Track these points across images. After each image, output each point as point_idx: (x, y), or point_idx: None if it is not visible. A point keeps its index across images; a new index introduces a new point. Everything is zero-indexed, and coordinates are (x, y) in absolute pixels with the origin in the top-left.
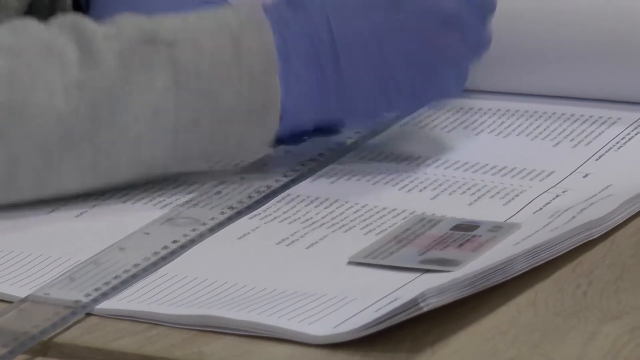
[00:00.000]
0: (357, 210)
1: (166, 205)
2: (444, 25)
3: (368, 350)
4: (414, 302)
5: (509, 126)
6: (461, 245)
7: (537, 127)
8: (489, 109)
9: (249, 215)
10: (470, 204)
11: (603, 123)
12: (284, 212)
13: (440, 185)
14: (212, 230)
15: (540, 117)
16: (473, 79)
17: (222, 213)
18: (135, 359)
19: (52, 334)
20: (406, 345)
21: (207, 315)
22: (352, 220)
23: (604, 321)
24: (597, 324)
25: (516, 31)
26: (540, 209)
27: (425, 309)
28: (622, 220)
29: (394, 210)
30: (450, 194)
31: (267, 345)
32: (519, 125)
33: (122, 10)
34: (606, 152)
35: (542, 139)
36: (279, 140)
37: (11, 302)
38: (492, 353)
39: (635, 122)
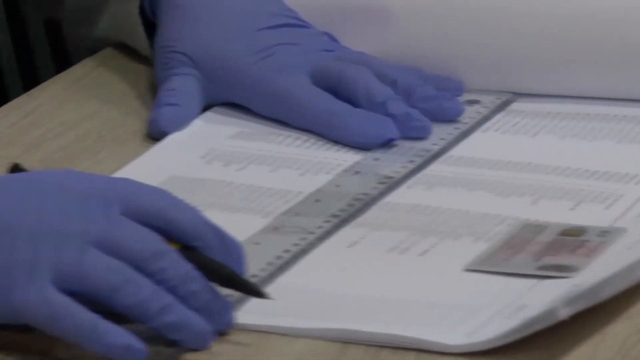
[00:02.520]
0: (460, 217)
1: (268, 213)
2: None
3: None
4: (550, 312)
5: (592, 130)
6: (573, 250)
7: (621, 130)
8: (571, 113)
9: (353, 224)
10: (571, 209)
11: None
12: (387, 220)
13: (537, 190)
14: (321, 238)
15: (621, 120)
16: (561, 84)
17: (327, 221)
18: None
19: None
20: None
21: (343, 329)
22: (457, 228)
23: (613, 321)
24: (607, 324)
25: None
26: None
27: (561, 318)
28: None
29: (497, 216)
30: (549, 198)
31: (277, 341)
32: (602, 129)
33: (191, 22)
34: None
35: (629, 142)
36: None
37: None
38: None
39: None
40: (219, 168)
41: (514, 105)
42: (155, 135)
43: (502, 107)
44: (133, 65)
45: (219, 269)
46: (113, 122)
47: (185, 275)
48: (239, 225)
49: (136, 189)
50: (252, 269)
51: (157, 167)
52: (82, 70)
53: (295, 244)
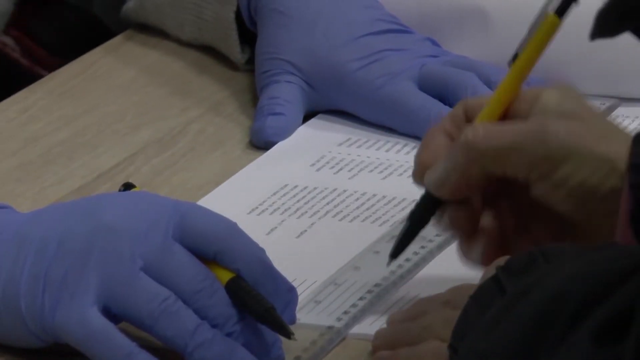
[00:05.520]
0: None
1: (384, 221)
2: None
3: None
4: None
5: None
6: None
7: None
8: None
9: None
10: None
11: None
12: None
13: None
14: (440, 247)
15: None
16: None
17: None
18: None
19: None
20: None
21: None
22: None
23: None
24: None
25: None
26: None
27: None
28: None
29: None
30: None
31: None
32: None
33: (294, 29)
34: None
35: None
36: None
37: None
38: None
39: None
40: (330, 176)
41: (620, 110)
42: (260, 144)
43: (607, 112)
44: (131, 60)
45: (259, 304)
46: (112, 117)
47: (230, 316)
48: (356, 233)
49: (196, 211)
50: (375, 278)
51: (267, 176)
52: (79, 66)
53: (416, 253)
